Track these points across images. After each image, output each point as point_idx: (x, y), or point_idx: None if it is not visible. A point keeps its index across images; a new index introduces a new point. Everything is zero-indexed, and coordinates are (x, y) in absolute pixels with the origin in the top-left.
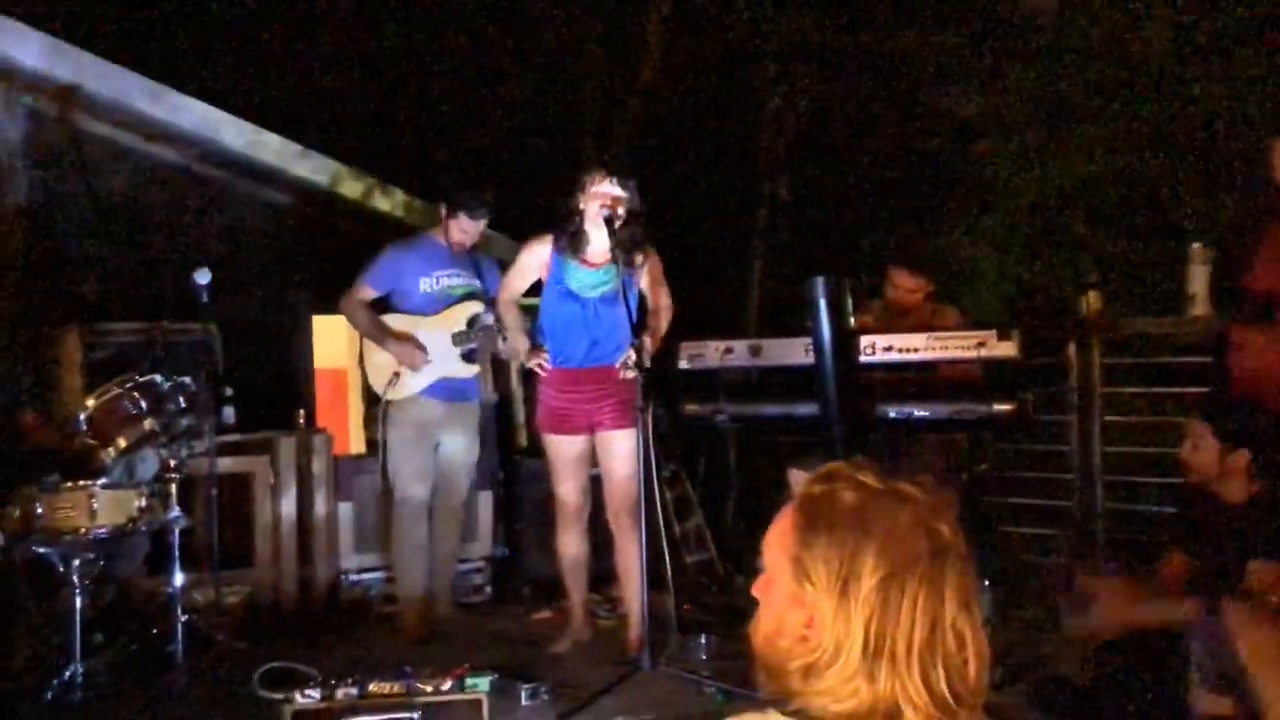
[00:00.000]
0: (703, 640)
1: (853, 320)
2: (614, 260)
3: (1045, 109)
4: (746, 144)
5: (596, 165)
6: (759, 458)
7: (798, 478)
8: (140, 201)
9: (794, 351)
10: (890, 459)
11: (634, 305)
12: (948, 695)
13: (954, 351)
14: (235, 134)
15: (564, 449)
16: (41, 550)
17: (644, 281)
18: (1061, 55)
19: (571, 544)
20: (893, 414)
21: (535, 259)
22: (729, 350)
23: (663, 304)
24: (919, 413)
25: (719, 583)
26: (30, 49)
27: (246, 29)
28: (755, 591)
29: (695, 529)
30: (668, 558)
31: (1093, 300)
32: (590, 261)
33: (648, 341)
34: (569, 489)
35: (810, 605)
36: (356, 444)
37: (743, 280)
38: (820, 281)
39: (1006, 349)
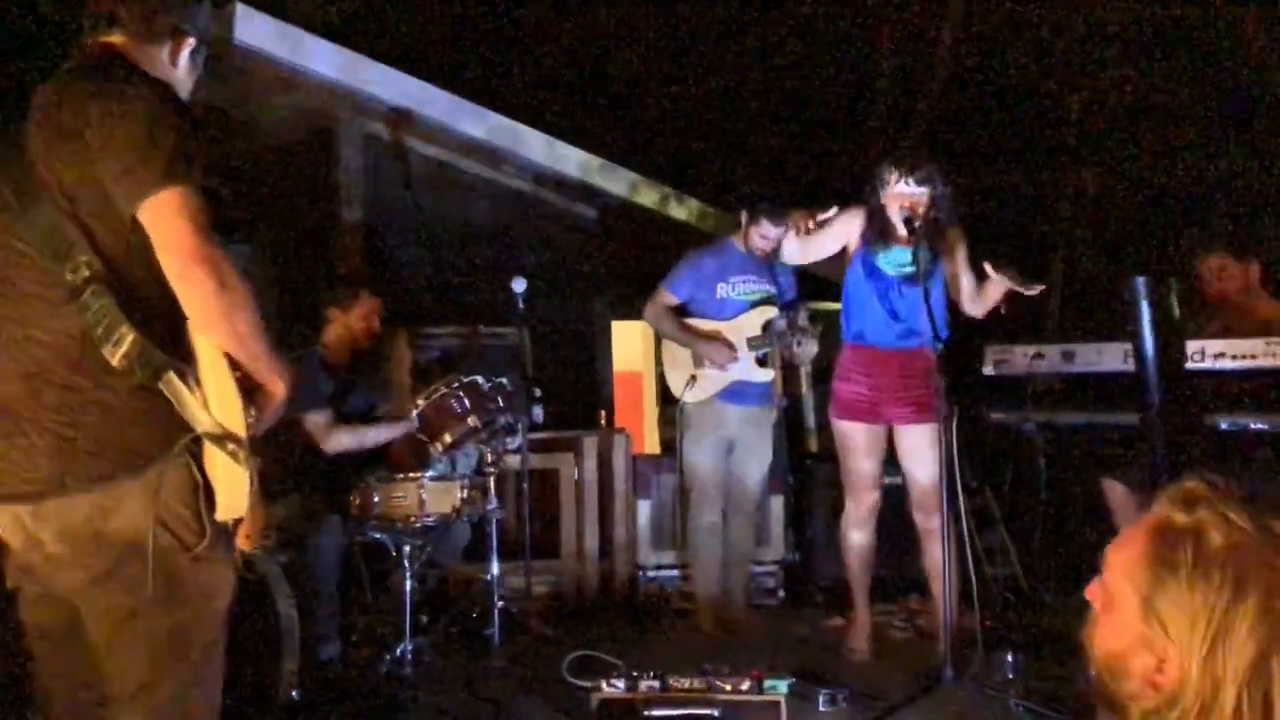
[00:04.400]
0: (1009, 658)
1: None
2: (916, 249)
3: None
4: (1048, 134)
5: (891, 163)
6: (1069, 469)
7: (1114, 491)
8: (459, 216)
9: (1111, 357)
10: (1221, 474)
11: (940, 306)
12: None
13: None
14: (543, 149)
15: (857, 437)
16: (377, 535)
17: (952, 265)
18: None
19: (857, 537)
20: (1224, 425)
21: (847, 226)
22: (1039, 355)
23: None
24: (1255, 425)
25: (1024, 600)
26: (371, 79)
27: (553, 54)
28: (1091, 597)
29: (998, 542)
30: (972, 571)
31: None
32: (900, 239)
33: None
34: (859, 478)
35: (1162, 652)
36: (651, 445)
37: (1042, 279)
38: (1142, 282)
39: None
